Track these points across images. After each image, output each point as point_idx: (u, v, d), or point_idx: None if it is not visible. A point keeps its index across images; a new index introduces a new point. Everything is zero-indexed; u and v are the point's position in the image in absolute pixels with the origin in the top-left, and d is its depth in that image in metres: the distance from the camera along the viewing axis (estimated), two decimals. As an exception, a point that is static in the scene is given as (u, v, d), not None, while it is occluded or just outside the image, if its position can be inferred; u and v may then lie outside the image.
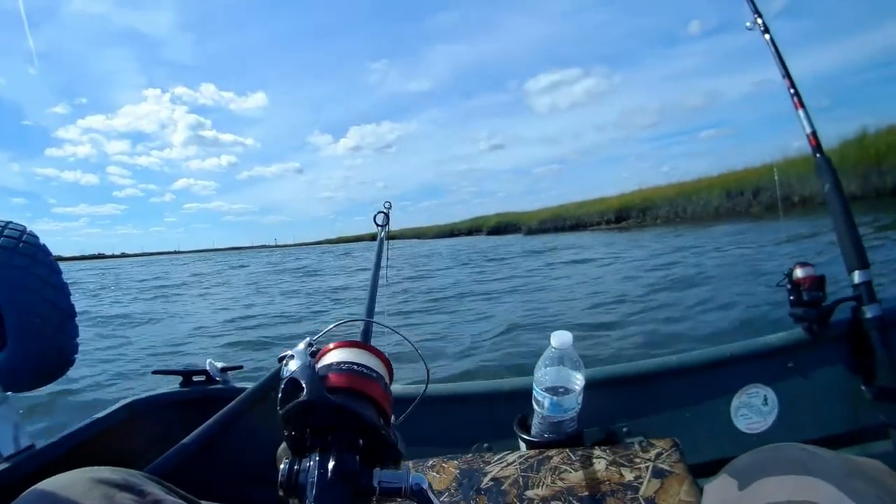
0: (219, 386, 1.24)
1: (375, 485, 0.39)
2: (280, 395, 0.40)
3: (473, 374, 3.06)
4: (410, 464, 0.77)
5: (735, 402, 1.16)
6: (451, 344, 3.88)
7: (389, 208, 1.13)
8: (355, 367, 0.43)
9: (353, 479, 0.38)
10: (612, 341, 3.46)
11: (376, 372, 0.44)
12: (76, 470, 0.50)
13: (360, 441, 0.40)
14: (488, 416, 1.13)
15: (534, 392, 0.85)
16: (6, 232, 0.91)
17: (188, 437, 0.91)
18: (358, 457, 0.39)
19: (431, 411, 1.14)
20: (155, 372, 1.41)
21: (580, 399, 0.84)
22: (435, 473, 0.75)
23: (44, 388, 1.00)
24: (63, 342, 0.98)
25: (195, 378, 1.25)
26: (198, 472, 0.84)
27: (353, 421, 0.39)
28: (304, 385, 0.39)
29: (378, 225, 1.06)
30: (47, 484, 0.47)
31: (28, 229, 0.94)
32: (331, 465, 0.37)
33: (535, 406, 0.86)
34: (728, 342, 1.22)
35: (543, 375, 0.84)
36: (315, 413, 0.39)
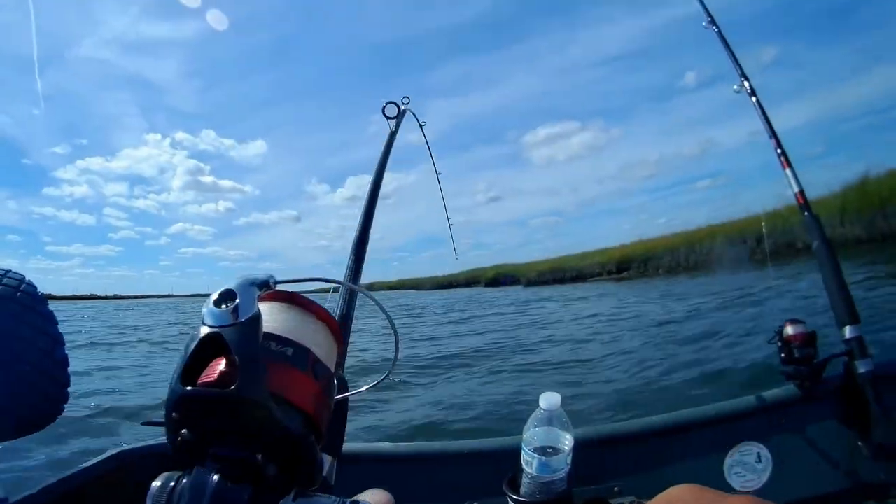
0: None
1: None
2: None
3: (463, 432, 3.00)
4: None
5: (728, 460, 1.14)
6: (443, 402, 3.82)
7: (407, 104, 1.00)
8: (271, 344, 0.30)
9: None
10: (603, 397, 3.42)
11: (305, 350, 0.31)
12: None
13: (259, 457, 0.28)
14: (478, 475, 1.11)
15: (523, 452, 0.85)
16: (4, 280, 0.92)
17: None
18: (252, 487, 0.28)
19: (421, 469, 1.12)
20: (145, 423, 1.38)
21: (569, 459, 0.83)
22: None
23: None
24: (54, 392, 0.98)
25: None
26: None
27: (245, 429, 0.28)
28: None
29: (388, 117, 0.91)
30: None
31: (27, 279, 0.96)
32: (208, 489, 0.27)
33: (525, 466, 0.85)
34: (721, 399, 1.21)
35: (532, 436, 0.84)
36: (194, 409, 0.29)
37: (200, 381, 0.29)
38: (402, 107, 0.98)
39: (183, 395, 0.28)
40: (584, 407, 3.21)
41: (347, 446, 0.84)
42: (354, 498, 0.31)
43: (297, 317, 0.32)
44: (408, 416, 3.25)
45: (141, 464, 1.17)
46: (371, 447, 0.84)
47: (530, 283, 30.19)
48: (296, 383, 0.30)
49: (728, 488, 1.13)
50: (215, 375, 0.28)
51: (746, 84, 1.38)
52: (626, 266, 23.31)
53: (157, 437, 1.24)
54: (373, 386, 0.42)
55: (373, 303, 0.44)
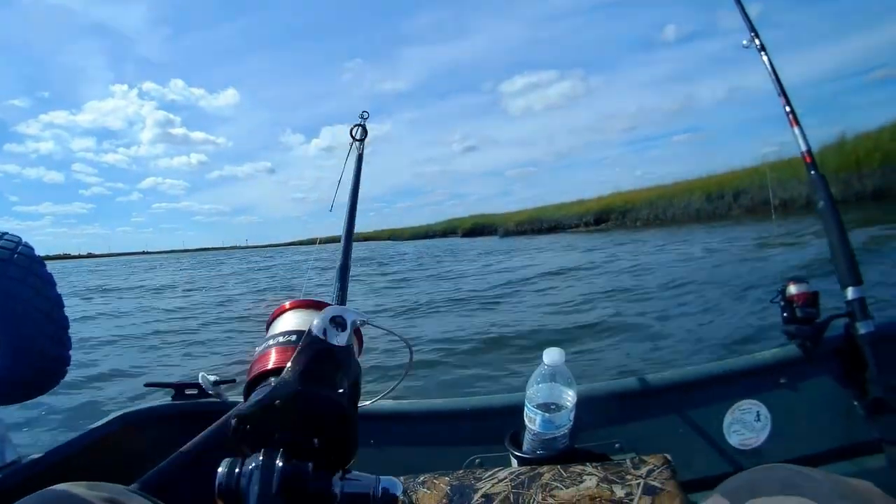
0: (212, 399, 1.23)
1: (336, 492, 0.33)
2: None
3: (465, 389, 3.05)
4: (402, 479, 0.77)
5: (728, 418, 1.16)
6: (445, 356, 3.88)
7: (366, 118, 1.03)
8: (309, 340, 0.35)
9: (303, 488, 0.32)
10: (605, 355, 3.45)
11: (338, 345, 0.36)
12: (55, 486, 0.49)
13: (315, 440, 0.33)
14: (480, 432, 1.12)
15: (525, 409, 0.85)
16: (1, 243, 0.92)
17: (180, 451, 0.90)
18: (311, 463, 0.32)
19: (423, 427, 1.14)
20: (147, 384, 1.40)
21: (572, 416, 0.84)
22: (426, 490, 0.75)
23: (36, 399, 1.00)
24: (56, 353, 0.98)
25: (188, 391, 1.24)
26: (189, 486, 0.84)
27: (302, 414, 0.33)
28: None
29: (354, 139, 0.96)
30: (23, 502, 0.45)
31: (24, 240, 0.95)
32: (276, 469, 0.31)
33: (527, 422, 0.86)
34: (721, 358, 1.22)
35: (535, 392, 0.84)
36: (300, 406, 0.33)
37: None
38: (363, 123, 1.02)
39: (303, 393, 0.32)
40: (586, 363, 3.26)
41: None
42: (381, 476, 0.36)
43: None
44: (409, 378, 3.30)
45: (146, 424, 1.19)
46: (373, 406, 0.85)
47: (508, 234, 30.06)
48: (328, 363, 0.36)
49: (727, 445, 1.15)
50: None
51: (757, 41, 1.34)
52: (604, 218, 23.35)
53: (161, 398, 1.26)
54: (387, 394, 0.49)
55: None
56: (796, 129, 1.27)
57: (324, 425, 0.33)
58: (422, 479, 0.78)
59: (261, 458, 0.32)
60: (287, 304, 0.40)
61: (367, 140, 1.00)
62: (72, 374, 1.04)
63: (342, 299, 0.56)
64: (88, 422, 1.12)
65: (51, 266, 0.98)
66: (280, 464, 0.31)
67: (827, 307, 1.21)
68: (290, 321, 0.39)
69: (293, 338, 0.37)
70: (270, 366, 0.35)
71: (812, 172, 1.26)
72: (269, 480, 0.30)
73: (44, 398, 1.04)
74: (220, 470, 0.32)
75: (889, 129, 13.15)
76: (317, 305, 0.41)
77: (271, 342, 0.37)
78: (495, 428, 0.95)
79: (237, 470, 0.32)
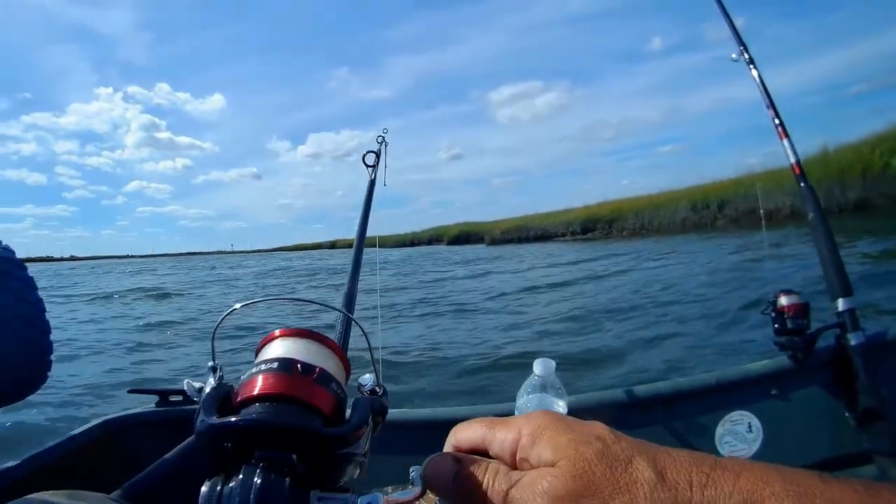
0: (197, 406, 1.21)
1: None
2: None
3: (455, 399, 3.02)
4: (390, 489, 0.75)
5: (720, 429, 1.15)
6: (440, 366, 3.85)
7: (382, 142, 1.01)
8: (293, 365, 0.37)
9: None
10: (598, 367, 3.44)
11: (325, 374, 0.37)
12: (30, 496, 0.47)
13: (294, 456, 0.34)
14: None
15: None
16: None
17: (163, 459, 0.88)
18: (288, 479, 0.33)
19: (412, 436, 1.12)
20: (131, 391, 1.37)
21: None
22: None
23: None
24: (37, 359, 0.95)
25: (172, 398, 1.22)
26: (172, 495, 0.82)
27: (276, 435, 0.34)
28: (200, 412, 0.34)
29: (367, 165, 0.94)
30: None
31: (3, 243, 0.92)
32: (254, 487, 0.32)
33: (518, 433, 0.84)
34: (713, 369, 1.22)
35: (526, 403, 0.83)
36: (222, 437, 0.34)
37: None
38: (379, 148, 1.01)
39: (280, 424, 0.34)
40: (575, 373, 3.24)
41: None
42: (362, 494, 0.35)
43: (310, 343, 0.40)
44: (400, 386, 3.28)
45: (129, 431, 1.17)
46: None
47: (494, 242, 29.91)
48: (318, 395, 0.36)
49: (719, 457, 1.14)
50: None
51: (746, 55, 1.35)
52: (591, 227, 23.36)
53: (143, 404, 1.23)
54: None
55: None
56: (785, 142, 1.28)
57: (304, 443, 0.34)
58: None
59: (241, 476, 0.32)
60: (277, 332, 0.41)
61: (385, 160, 0.98)
62: (52, 380, 1.02)
63: (344, 341, 0.57)
64: (69, 428, 1.08)
65: (33, 269, 0.96)
66: (258, 481, 0.32)
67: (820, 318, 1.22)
68: (279, 349, 0.40)
69: (275, 365, 0.37)
70: (255, 392, 0.36)
71: (802, 184, 1.27)
72: (247, 498, 0.31)
73: (22, 404, 1.00)
74: (202, 489, 0.32)
75: (869, 142, 13.42)
76: (308, 335, 0.41)
77: (255, 370, 0.38)
78: None
79: (218, 488, 0.32)
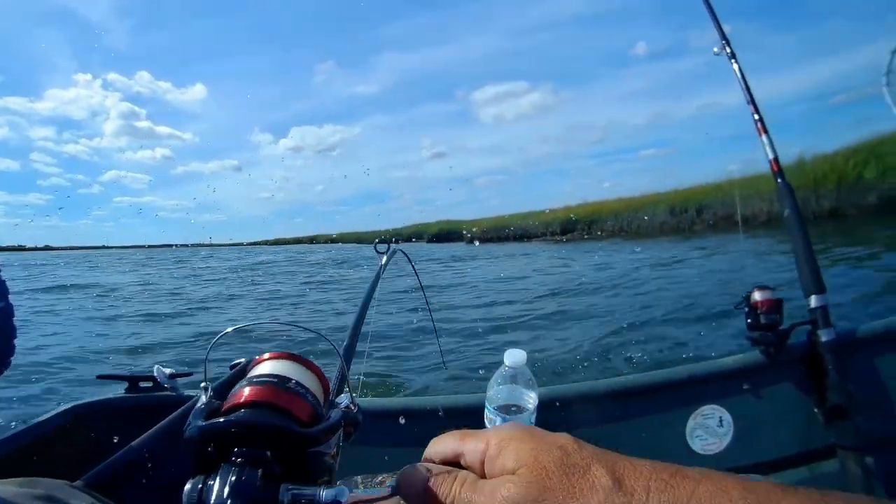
0: (167, 393, 1.18)
1: (282, 500, 0.36)
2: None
3: (426, 389, 3.01)
4: (360, 478, 0.73)
5: (691, 423, 1.15)
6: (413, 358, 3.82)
7: (388, 250, 1.19)
8: (275, 380, 0.41)
9: (250, 495, 0.35)
10: (571, 357, 3.46)
11: (303, 387, 0.42)
12: None
13: (269, 454, 0.37)
14: (439, 432, 1.09)
15: (486, 410, 0.82)
16: None
17: (131, 446, 0.85)
18: (260, 470, 0.36)
19: (383, 425, 1.10)
20: (100, 377, 1.33)
21: (533, 418, 0.81)
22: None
23: None
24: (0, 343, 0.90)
25: (142, 384, 1.19)
26: (140, 483, 0.78)
27: (253, 433, 0.37)
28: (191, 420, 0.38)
29: (379, 252, 1.17)
30: None
31: None
32: (228, 480, 0.35)
33: (487, 424, 0.82)
34: (685, 363, 1.21)
35: (496, 394, 0.81)
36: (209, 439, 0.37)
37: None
38: (387, 250, 1.18)
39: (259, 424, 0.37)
40: (548, 365, 3.25)
41: None
42: (327, 488, 0.37)
43: (293, 365, 0.44)
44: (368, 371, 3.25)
45: (97, 418, 1.14)
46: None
47: (473, 240, 30.10)
48: (295, 404, 0.40)
49: (689, 450, 1.14)
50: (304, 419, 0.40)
51: (728, 49, 1.35)
52: (570, 227, 23.55)
53: (113, 390, 1.20)
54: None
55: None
56: (764, 138, 1.28)
57: (280, 442, 0.37)
58: (380, 478, 0.74)
59: (219, 472, 0.35)
60: (266, 355, 0.45)
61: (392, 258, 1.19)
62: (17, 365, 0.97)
63: (340, 387, 0.60)
64: (35, 415, 1.06)
65: (3, 257, 0.90)
66: (233, 477, 0.34)
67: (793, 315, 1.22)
68: (266, 368, 0.43)
69: (264, 379, 0.41)
70: (241, 401, 0.39)
71: (779, 181, 1.28)
72: (223, 490, 0.34)
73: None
74: (185, 488, 0.35)
75: (843, 153, 13.89)
76: (289, 357, 0.45)
77: (243, 383, 0.41)
78: (455, 428, 0.91)
79: (200, 486, 0.35)
